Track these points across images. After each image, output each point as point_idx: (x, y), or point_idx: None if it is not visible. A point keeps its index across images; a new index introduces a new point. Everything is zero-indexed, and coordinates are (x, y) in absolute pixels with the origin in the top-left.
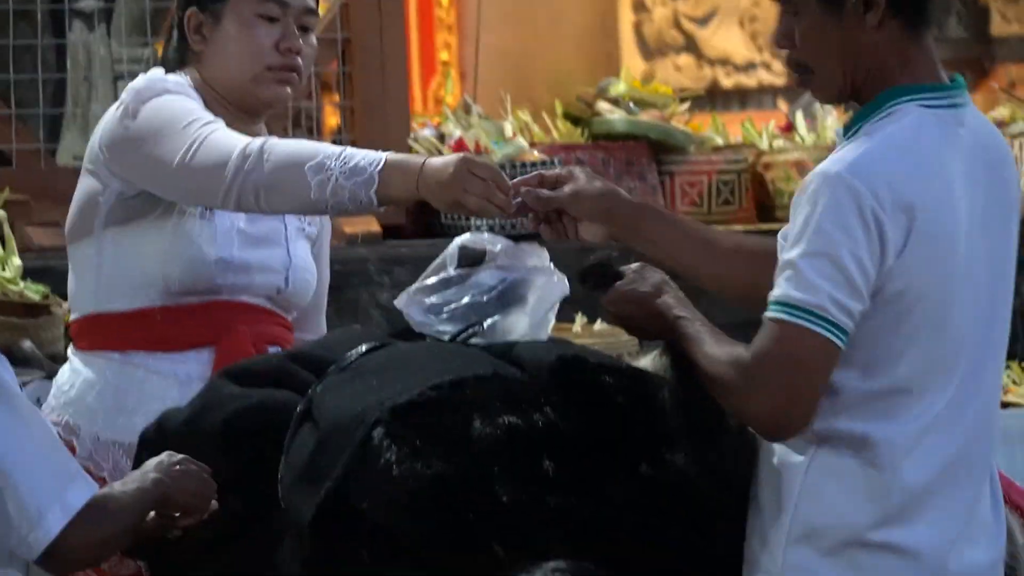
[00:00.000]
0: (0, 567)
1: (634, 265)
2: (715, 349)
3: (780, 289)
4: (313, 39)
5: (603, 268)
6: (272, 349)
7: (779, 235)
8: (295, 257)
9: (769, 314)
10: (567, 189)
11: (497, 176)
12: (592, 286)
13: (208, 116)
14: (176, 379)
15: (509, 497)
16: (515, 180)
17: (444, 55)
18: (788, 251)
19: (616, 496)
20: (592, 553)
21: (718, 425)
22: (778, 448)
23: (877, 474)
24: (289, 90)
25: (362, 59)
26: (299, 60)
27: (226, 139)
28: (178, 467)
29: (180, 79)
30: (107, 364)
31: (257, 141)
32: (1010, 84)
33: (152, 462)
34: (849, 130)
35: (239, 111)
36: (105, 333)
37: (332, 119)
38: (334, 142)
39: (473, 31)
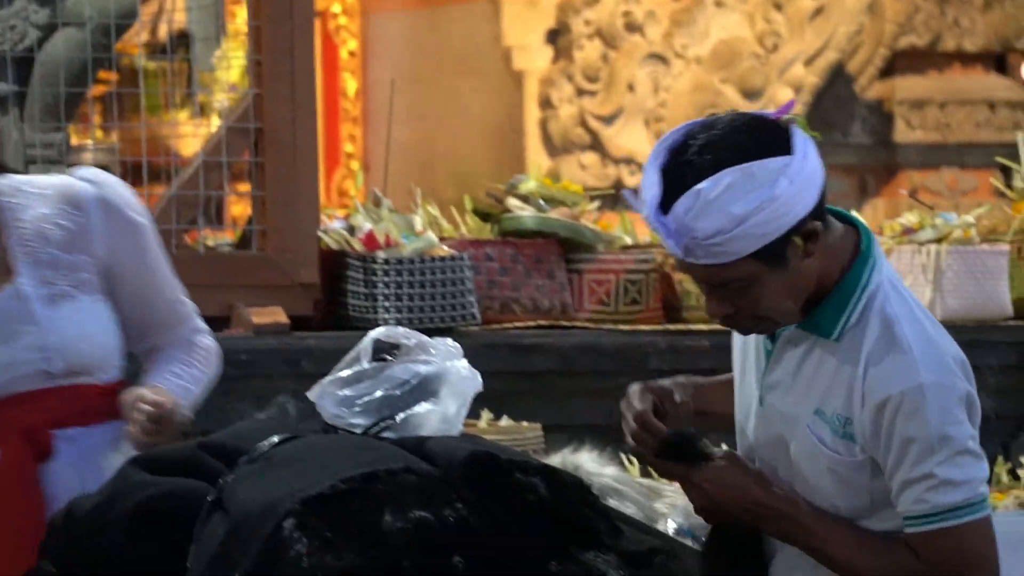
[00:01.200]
0: None
1: (724, 449)
2: (875, 559)
3: (932, 502)
4: None
5: (688, 441)
6: (58, 431)
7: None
8: (54, 333)
9: (933, 526)
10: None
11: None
12: (674, 458)
13: None
14: None
15: None
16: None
17: (349, 147)
18: (913, 467)
19: None
20: None
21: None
22: None
23: None
24: None
25: (274, 150)
26: None
27: None
28: None
29: None
30: None
31: None
32: (914, 190)
33: None
34: (830, 331)
35: None
36: None
37: (237, 207)
38: (244, 232)
39: (377, 124)
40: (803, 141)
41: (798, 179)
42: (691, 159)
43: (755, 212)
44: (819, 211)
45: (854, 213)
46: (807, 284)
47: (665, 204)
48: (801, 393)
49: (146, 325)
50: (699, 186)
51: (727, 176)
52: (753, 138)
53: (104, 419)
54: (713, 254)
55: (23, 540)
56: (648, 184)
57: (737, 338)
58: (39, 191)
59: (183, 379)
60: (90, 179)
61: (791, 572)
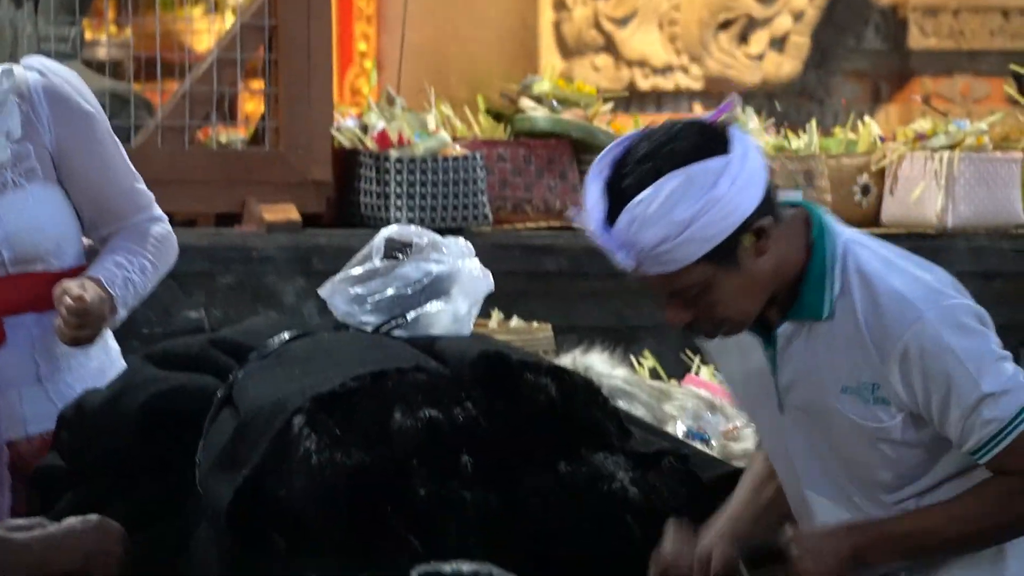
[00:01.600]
0: None
1: (791, 533)
2: (963, 509)
3: (989, 425)
4: None
5: (766, 548)
6: (9, 318)
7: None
8: (1, 223)
9: (1001, 445)
10: None
11: None
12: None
13: None
14: None
15: (426, 490)
16: None
17: (362, 46)
18: (959, 402)
19: (533, 493)
20: (507, 548)
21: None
22: None
23: None
24: None
25: (288, 48)
26: None
27: None
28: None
29: None
30: None
31: None
32: (926, 96)
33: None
34: (820, 310)
35: None
36: None
37: (250, 104)
38: (257, 129)
39: (391, 23)
40: (742, 140)
41: (740, 178)
42: (631, 170)
43: (698, 216)
44: (767, 207)
45: (797, 195)
46: (764, 282)
47: (610, 218)
48: (821, 380)
49: (100, 213)
50: (640, 197)
51: (667, 183)
52: (691, 143)
53: (49, 308)
54: (662, 263)
55: None
56: (592, 200)
57: (731, 377)
58: None
59: (126, 268)
60: (37, 68)
61: None
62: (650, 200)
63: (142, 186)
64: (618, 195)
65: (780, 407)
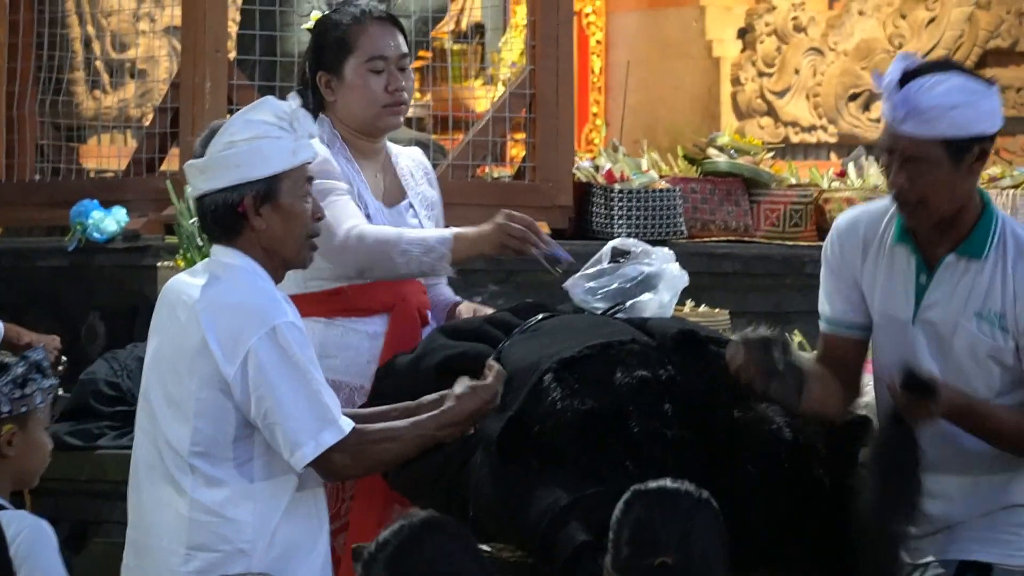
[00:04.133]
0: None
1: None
2: None
3: None
4: (410, 74)
5: (922, 380)
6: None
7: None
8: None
9: None
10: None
11: (530, 224)
12: (919, 393)
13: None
14: (366, 334)
15: (639, 428)
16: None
17: (595, 108)
18: None
19: (716, 431)
20: (696, 472)
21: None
22: None
23: None
24: (400, 118)
25: (543, 110)
26: (404, 95)
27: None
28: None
29: (322, 123)
30: (315, 325)
31: (354, 231)
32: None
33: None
34: (980, 251)
35: (366, 137)
36: (314, 305)
37: (515, 150)
38: (520, 168)
39: (615, 92)
40: (998, 93)
41: (993, 106)
42: (927, 65)
43: (964, 105)
44: (990, 145)
45: None
46: (962, 197)
47: (904, 82)
48: (960, 303)
49: None
50: (936, 76)
51: (955, 77)
52: (973, 73)
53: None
54: (920, 126)
55: None
56: (893, 70)
57: (871, 284)
58: (394, 149)
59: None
60: (424, 148)
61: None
62: (939, 81)
63: None
64: (917, 71)
65: (913, 319)
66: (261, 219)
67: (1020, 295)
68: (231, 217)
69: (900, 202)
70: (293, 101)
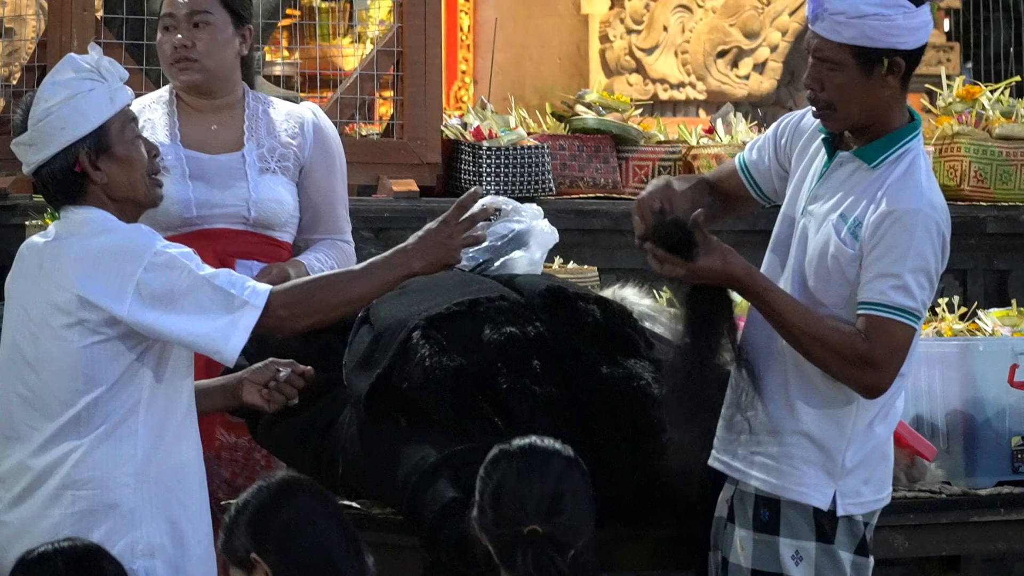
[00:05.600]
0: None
1: (713, 240)
2: (825, 322)
3: (890, 297)
4: (210, 31)
5: (680, 228)
6: (240, 260)
7: (842, 239)
8: (256, 192)
9: (886, 315)
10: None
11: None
12: (674, 248)
13: None
14: None
15: (508, 385)
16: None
17: (463, 66)
18: (889, 266)
19: (584, 388)
20: (565, 428)
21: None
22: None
23: None
24: (191, 75)
25: (410, 68)
26: (190, 52)
27: None
28: None
29: None
30: None
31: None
32: None
33: None
34: (873, 159)
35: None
36: None
37: (383, 107)
38: (388, 125)
39: (484, 50)
40: (928, 14)
41: (912, 25)
42: None
43: (874, 17)
44: (910, 63)
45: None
46: (872, 105)
47: None
48: (835, 201)
49: (314, 222)
50: None
51: None
52: None
53: (269, 260)
54: (831, 29)
55: None
56: None
57: (795, 170)
58: (278, 106)
59: (322, 264)
60: (314, 112)
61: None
62: None
63: (346, 215)
64: None
65: (802, 211)
66: (101, 172)
67: (879, 210)
68: (71, 179)
69: (811, 102)
70: (94, 52)
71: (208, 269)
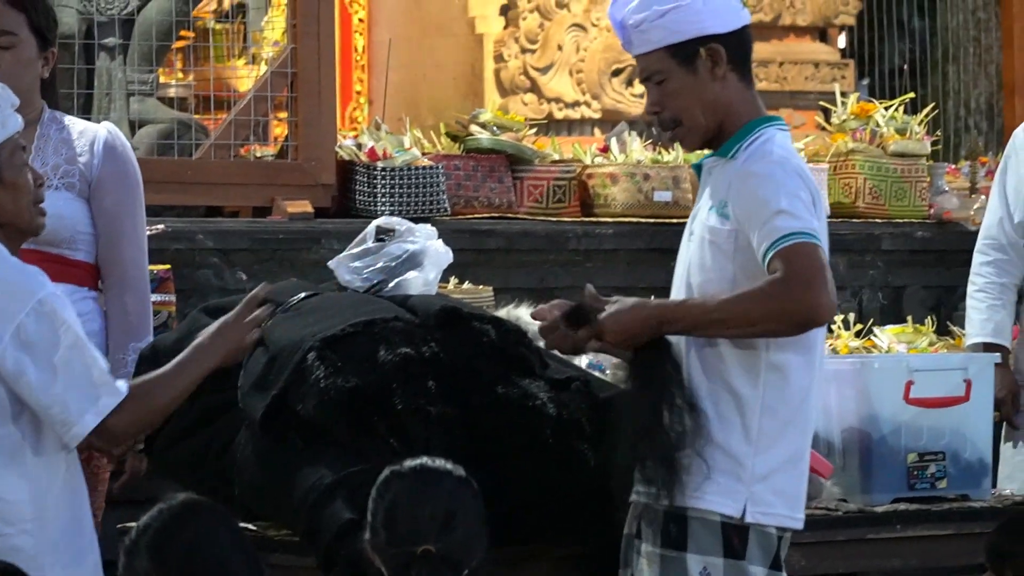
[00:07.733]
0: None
1: (613, 299)
2: (738, 292)
3: (778, 227)
4: (18, 53)
5: (585, 309)
6: None
7: (707, 222)
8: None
9: (785, 244)
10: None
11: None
12: (578, 322)
13: None
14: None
15: (403, 405)
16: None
17: (358, 87)
18: (763, 210)
19: (479, 408)
20: (461, 449)
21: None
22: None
23: None
24: None
25: (305, 89)
26: None
27: None
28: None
29: None
30: None
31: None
32: None
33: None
34: (729, 151)
35: None
36: None
37: (278, 128)
38: (283, 147)
39: (378, 70)
40: None
41: (714, 7)
42: None
43: (672, 11)
44: (732, 46)
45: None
46: (713, 103)
47: (617, 6)
48: (704, 201)
49: (106, 246)
50: None
51: None
52: None
53: (62, 281)
54: (641, 42)
55: None
56: (611, 6)
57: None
58: (74, 126)
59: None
60: (109, 130)
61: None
62: None
63: (138, 242)
64: None
65: (688, 229)
66: None
67: (734, 183)
68: None
69: (660, 127)
70: None
71: (84, 335)
